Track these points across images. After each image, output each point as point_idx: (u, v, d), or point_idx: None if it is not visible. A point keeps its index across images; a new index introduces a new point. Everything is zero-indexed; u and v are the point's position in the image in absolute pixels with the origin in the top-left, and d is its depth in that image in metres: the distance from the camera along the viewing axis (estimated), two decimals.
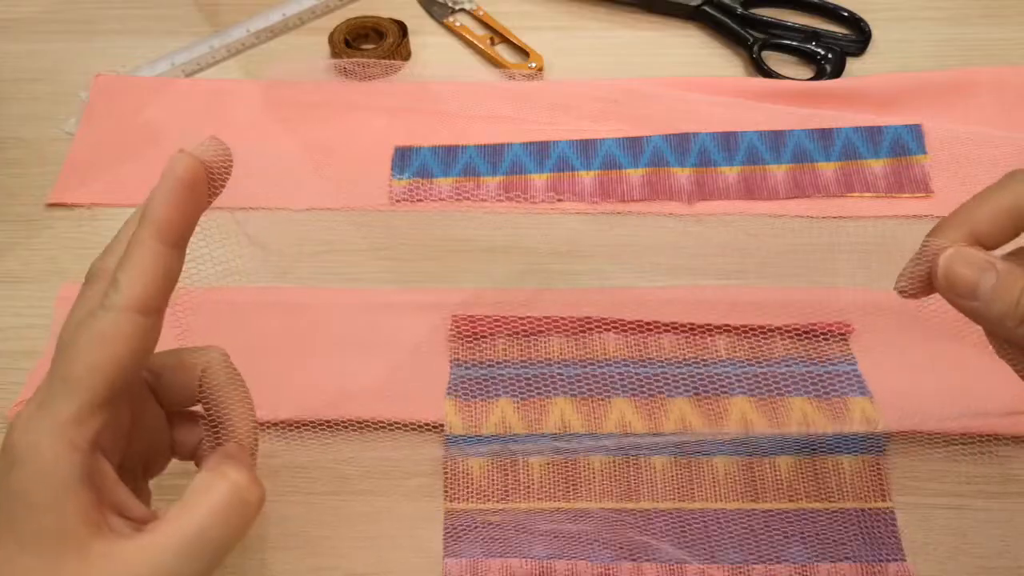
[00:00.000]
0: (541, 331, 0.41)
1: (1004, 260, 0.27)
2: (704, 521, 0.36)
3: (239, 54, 0.55)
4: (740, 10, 0.53)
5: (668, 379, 0.40)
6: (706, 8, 0.54)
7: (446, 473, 0.38)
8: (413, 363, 0.41)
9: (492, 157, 0.48)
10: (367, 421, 0.39)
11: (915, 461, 0.38)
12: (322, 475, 0.38)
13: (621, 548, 0.36)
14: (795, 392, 0.39)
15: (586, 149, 0.48)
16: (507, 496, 0.37)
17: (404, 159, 0.48)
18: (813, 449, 0.38)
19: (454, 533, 0.36)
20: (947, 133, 0.47)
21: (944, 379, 0.39)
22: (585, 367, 0.40)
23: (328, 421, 0.39)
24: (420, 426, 0.39)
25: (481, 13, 0.55)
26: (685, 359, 0.40)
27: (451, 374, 0.40)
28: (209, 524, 0.25)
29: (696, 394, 0.39)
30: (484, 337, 0.41)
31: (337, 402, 0.39)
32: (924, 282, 0.28)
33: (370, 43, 0.55)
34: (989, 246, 0.28)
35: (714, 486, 0.37)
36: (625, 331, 0.41)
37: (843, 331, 0.41)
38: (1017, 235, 0.28)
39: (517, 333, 0.41)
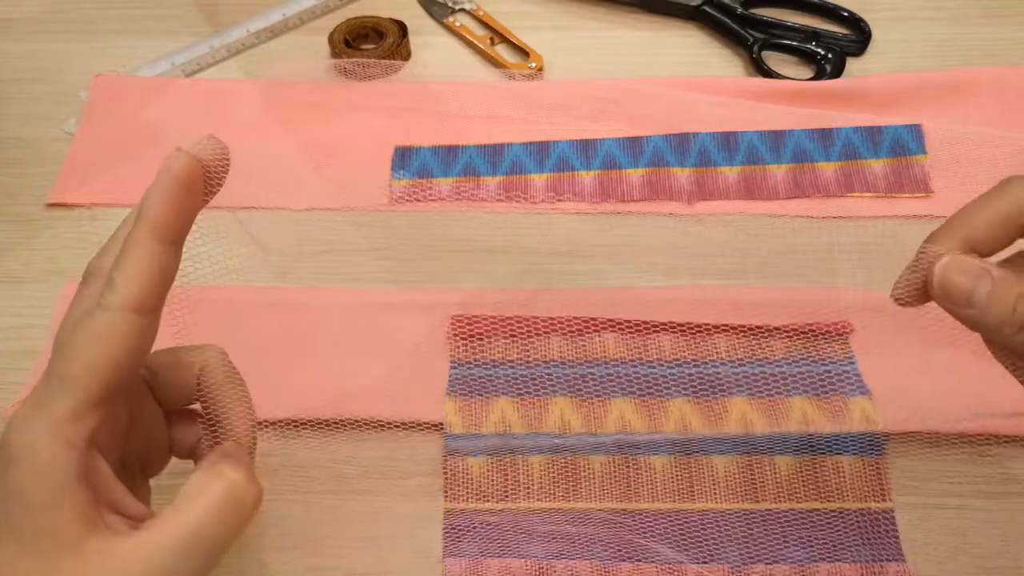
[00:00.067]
0: (541, 331, 0.41)
1: (999, 267, 0.27)
2: (704, 521, 0.36)
3: (239, 54, 0.55)
4: (740, 10, 0.53)
5: (668, 379, 0.40)
6: (706, 8, 0.54)
7: (446, 473, 0.38)
8: (413, 363, 0.41)
9: (492, 157, 0.48)
10: (367, 421, 0.39)
11: (915, 461, 0.38)
12: (321, 475, 0.38)
13: (621, 548, 0.36)
14: (795, 392, 0.39)
15: (586, 149, 0.48)
16: (507, 496, 0.37)
17: (404, 159, 0.48)
18: (813, 449, 0.37)
19: (454, 533, 0.36)
20: (947, 133, 0.47)
21: (944, 379, 0.39)
22: (585, 367, 0.40)
23: (328, 421, 0.39)
24: (420, 426, 0.39)
25: (481, 13, 0.55)
26: (685, 359, 0.40)
27: (451, 374, 0.40)
28: (205, 522, 0.25)
29: (696, 394, 0.39)
30: (484, 337, 0.41)
31: (337, 402, 0.39)
32: (920, 290, 0.28)
33: (370, 43, 0.55)
34: (985, 253, 0.28)
35: (714, 486, 0.37)
36: (625, 331, 0.41)
37: (843, 331, 0.40)
38: (1013, 241, 0.28)
39: (517, 333, 0.41)
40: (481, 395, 0.39)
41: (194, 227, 0.28)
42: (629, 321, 0.41)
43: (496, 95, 0.50)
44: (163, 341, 0.28)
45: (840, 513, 0.36)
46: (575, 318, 0.41)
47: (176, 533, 0.25)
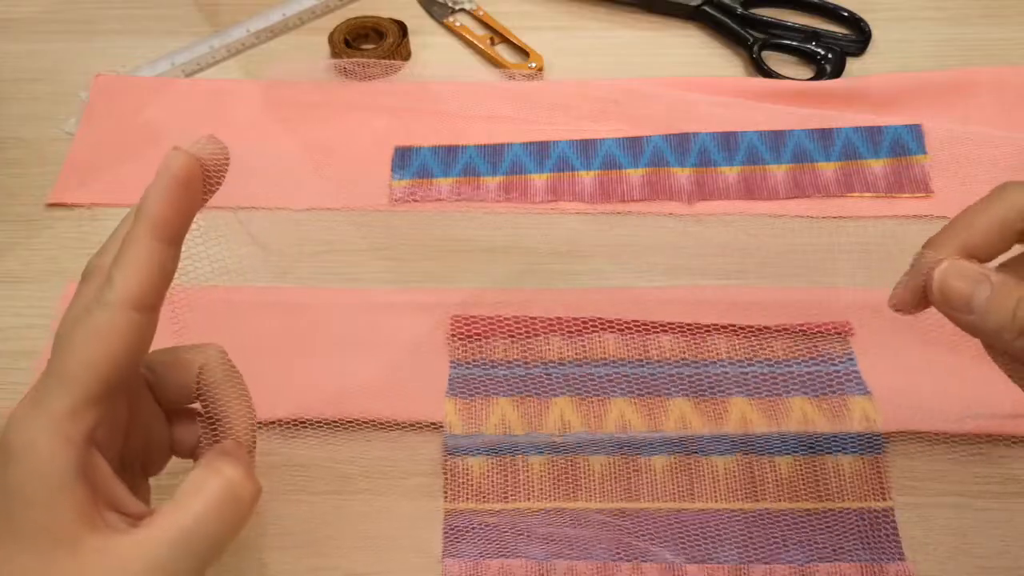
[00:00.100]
0: (541, 331, 0.41)
1: (998, 272, 0.27)
2: (704, 521, 0.36)
3: (239, 54, 0.55)
4: (740, 10, 0.53)
5: (668, 379, 0.40)
6: (706, 8, 0.54)
7: (446, 473, 0.38)
8: (413, 363, 0.41)
9: (492, 157, 0.48)
10: (367, 420, 0.39)
11: (915, 461, 0.38)
12: (321, 475, 0.38)
13: (621, 548, 0.36)
14: (795, 392, 0.39)
15: (586, 149, 0.48)
16: (507, 496, 0.37)
17: (404, 159, 0.48)
18: (813, 449, 0.37)
19: (454, 533, 0.36)
20: (947, 133, 0.47)
21: (944, 379, 0.39)
22: (585, 367, 0.40)
23: (328, 421, 0.39)
24: (420, 426, 0.39)
25: (481, 13, 0.55)
26: (685, 359, 0.40)
27: (451, 374, 0.40)
28: (204, 519, 0.25)
29: (696, 394, 0.39)
30: (484, 337, 0.41)
31: (337, 401, 0.39)
32: (918, 296, 0.29)
33: (370, 43, 0.55)
34: (983, 258, 0.28)
35: (714, 486, 0.37)
36: (625, 331, 0.41)
37: (843, 331, 0.40)
38: (1011, 246, 0.28)
39: (517, 333, 0.41)
40: (481, 395, 0.39)
41: (194, 227, 0.28)
42: (629, 321, 0.41)
43: (496, 95, 0.50)
44: (163, 340, 0.28)
45: (840, 513, 0.36)
46: (575, 318, 0.41)
47: (174, 530, 0.25)
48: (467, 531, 0.36)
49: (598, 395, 0.39)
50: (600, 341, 0.41)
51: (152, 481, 0.31)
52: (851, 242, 0.44)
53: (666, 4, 0.55)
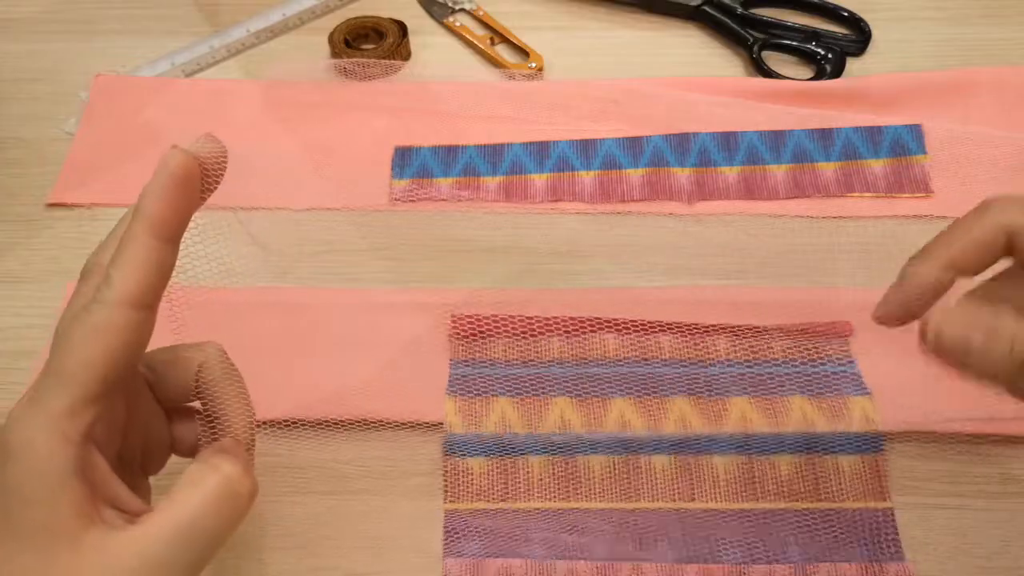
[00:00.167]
0: (541, 331, 0.41)
1: (990, 310, 0.27)
2: (704, 521, 0.36)
3: (239, 54, 0.55)
4: (740, 10, 0.53)
5: (668, 379, 0.40)
6: (706, 8, 0.54)
7: (446, 473, 0.38)
8: (413, 363, 0.41)
9: (492, 157, 0.48)
10: (367, 420, 0.39)
11: (915, 461, 0.38)
12: (321, 474, 0.38)
13: (621, 548, 0.36)
14: (795, 392, 0.39)
15: (586, 149, 0.48)
16: (507, 496, 0.37)
17: (404, 159, 0.48)
18: (813, 449, 0.37)
19: (454, 533, 0.36)
20: (947, 133, 0.47)
21: (944, 379, 0.39)
22: (585, 367, 0.40)
23: (328, 420, 0.39)
24: (420, 425, 0.39)
25: (481, 13, 0.55)
26: (685, 359, 0.40)
27: (451, 374, 0.40)
28: (201, 514, 0.25)
29: (696, 394, 0.39)
30: (484, 337, 0.41)
31: (337, 401, 0.39)
32: (905, 311, 0.29)
33: (370, 43, 0.55)
34: (969, 272, 0.28)
35: (714, 486, 0.37)
36: (625, 331, 0.41)
37: (843, 331, 0.40)
38: (996, 261, 0.29)
39: (517, 333, 0.41)
40: (481, 395, 0.39)
41: (195, 227, 0.28)
42: (629, 321, 0.41)
43: (496, 95, 0.50)
44: (162, 339, 0.28)
45: (840, 513, 0.36)
46: (575, 318, 0.41)
47: (171, 525, 0.25)
48: (467, 531, 0.36)
49: (598, 395, 0.39)
50: (600, 341, 0.41)
51: (152, 480, 0.31)
52: (851, 242, 0.44)
53: (666, 4, 0.55)
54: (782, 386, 0.39)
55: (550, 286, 0.44)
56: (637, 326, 0.41)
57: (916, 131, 0.47)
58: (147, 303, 0.25)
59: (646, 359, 0.40)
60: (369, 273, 0.45)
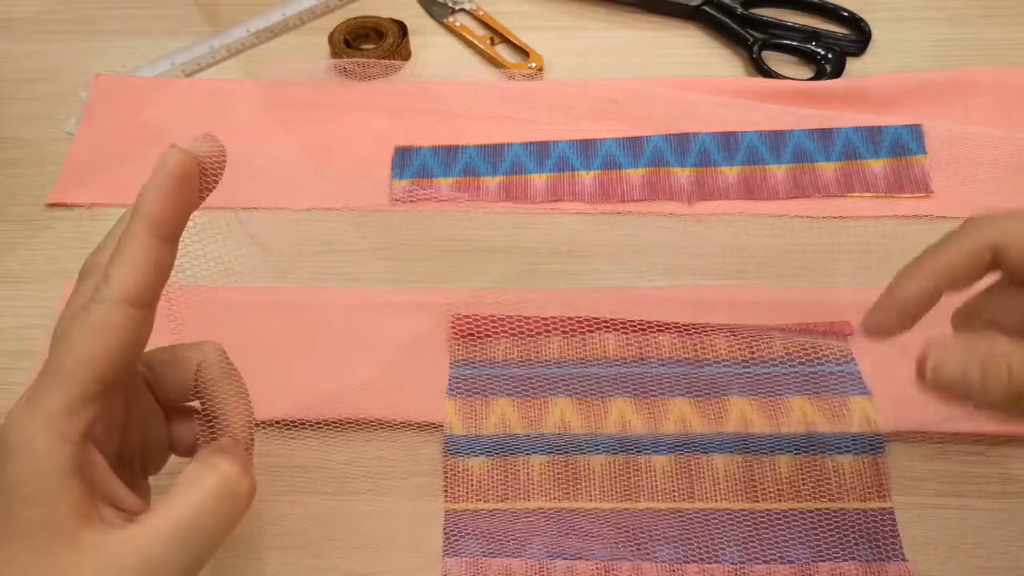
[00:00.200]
0: (541, 331, 0.41)
1: (984, 340, 0.27)
2: (704, 521, 0.36)
3: (239, 54, 0.55)
4: (740, 10, 0.53)
5: (668, 379, 0.40)
6: (706, 8, 0.54)
7: (446, 473, 0.38)
8: (413, 363, 0.41)
9: (492, 157, 0.48)
10: (367, 421, 0.39)
11: (915, 461, 0.38)
12: (321, 475, 0.38)
13: (620, 548, 0.36)
14: (795, 392, 0.39)
15: (586, 149, 0.48)
16: (507, 496, 0.37)
17: (404, 159, 0.48)
18: (813, 449, 0.37)
19: (454, 533, 0.36)
20: (947, 133, 0.47)
21: None
22: (585, 367, 0.40)
23: (328, 421, 0.39)
24: (420, 426, 0.39)
25: (481, 13, 0.55)
26: (685, 359, 0.40)
27: (451, 374, 0.40)
28: (199, 512, 0.25)
29: (696, 394, 0.39)
30: (484, 337, 0.41)
31: (337, 401, 0.39)
32: (892, 322, 0.29)
33: (370, 43, 0.55)
34: (955, 289, 0.29)
35: (714, 486, 0.37)
36: (625, 331, 0.41)
37: (843, 331, 0.40)
38: (981, 278, 0.29)
39: (517, 333, 0.41)
40: (481, 395, 0.39)
41: (193, 226, 0.28)
42: (629, 321, 0.41)
43: (496, 95, 0.50)
44: (161, 338, 0.28)
45: (840, 513, 0.36)
46: (575, 318, 0.41)
47: (169, 524, 0.25)
48: (467, 531, 0.36)
49: (598, 395, 0.39)
50: (600, 341, 0.41)
51: (152, 480, 0.31)
52: (851, 242, 0.44)
53: (666, 4, 0.55)
54: (782, 386, 0.39)
55: (550, 286, 0.44)
56: (637, 326, 0.41)
57: (916, 131, 0.47)
58: (145, 302, 0.25)
59: (646, 359, 0.40)
60: (369, 273, 0.45)
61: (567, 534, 0.36)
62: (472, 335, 0.41)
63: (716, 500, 0.37)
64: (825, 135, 0.47)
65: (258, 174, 0.43)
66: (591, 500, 0.37)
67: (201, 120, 0.50)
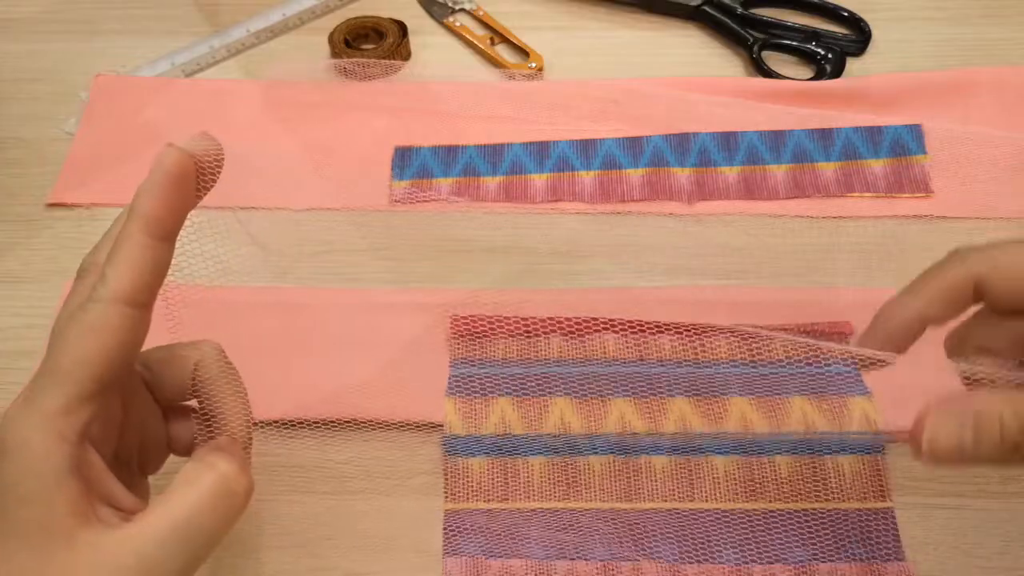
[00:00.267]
0: (541, 331, 0.41)
1: (972, 399, 0.27)
2: (704, 521, 0.36)
3: (239, 54, 0.55)
4: (740, 10, 0.53)
5: (668, 379, 0.40)
6: (706, 8, 0.54)
7: (446, 473, 0.38)
8: (413, 363, 0.41)
9: (492, 157, 0.48)
10: (366, 420, 0.39)
11: (915, 461, 0.37)
12: (321, 474, 0.38)
13: (621, 548, 0.36)
14: (795, 392, 0.39)
15: (586, 149, 0.48)
16: (507, 496, 0.37)
17: (404, 159, 0.48)
18: (813, 449, 0.37)
19: (454, 533, 0.36)
20: (947, 133, 0.47)
21: (944, 379, 0.39)
22: (585, 367, 0.40)
23: (327, 420, 0.39)
24: (420, 425, 0.39)
25: (481, 13, 0.55)
26: (685, 359, 0.40)
27: (451, 373, 0.40)
28: (197, 511, 0.25)
29: (696, 394, 0.39)
30: (484, 337, 0.41)
31: (336, 401, 0.39)
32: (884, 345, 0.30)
33: (370, 43, 0.55)
34: (940, 320, 0.30)
35: (714, 486, 0.37)
36: (625, 331, 0.41)
37: (843, 331, 0.40)
38: (965, 310, 0.29)
39: (517, 333, 0.41)
40: (481, 395, 0.39)
41: (191, 225, 0.28)
42: (629, 321, 0.41)
43: (496, 95, 0.50)
44: (158, 337, 0.28)
45: (840, 513, 0.36)
46: (575, 318, 0.41)
47: (167, 523, 0.25)
48: (467, 531, 0.36)
49: (598, 395, 0.39)
50: (600, 341, 0.41)
51: (151, 480, 0.31)
52: (851, 242, 0.44)
53: (666, 4, 0.55)
54: (782, 386, 0.39)
55: (550, 286, 0.44)
56: (637, 326, 0.41)
57: (916, 131, 0.47)
58: (142, 301, 0.25)
59: (646, 359, 0.40)
60: (369, 273, 0.44)
61: (567, 534, 0.36)
62: (472, 335, 0.41)
63: (716, 500, 0.37)
64: (825, 135, 0.47)
65: (258, 174, 0.44)
66: (591, 500, 0.37)
67: (201, 120, 0.50)
